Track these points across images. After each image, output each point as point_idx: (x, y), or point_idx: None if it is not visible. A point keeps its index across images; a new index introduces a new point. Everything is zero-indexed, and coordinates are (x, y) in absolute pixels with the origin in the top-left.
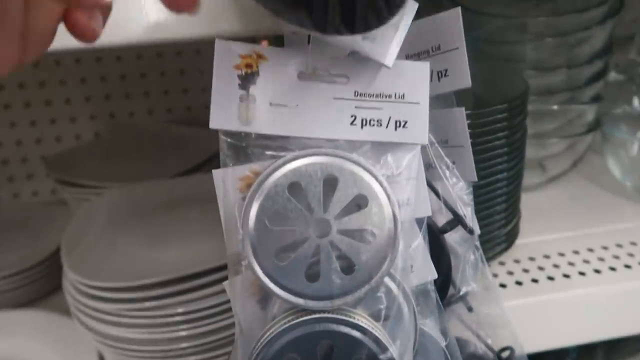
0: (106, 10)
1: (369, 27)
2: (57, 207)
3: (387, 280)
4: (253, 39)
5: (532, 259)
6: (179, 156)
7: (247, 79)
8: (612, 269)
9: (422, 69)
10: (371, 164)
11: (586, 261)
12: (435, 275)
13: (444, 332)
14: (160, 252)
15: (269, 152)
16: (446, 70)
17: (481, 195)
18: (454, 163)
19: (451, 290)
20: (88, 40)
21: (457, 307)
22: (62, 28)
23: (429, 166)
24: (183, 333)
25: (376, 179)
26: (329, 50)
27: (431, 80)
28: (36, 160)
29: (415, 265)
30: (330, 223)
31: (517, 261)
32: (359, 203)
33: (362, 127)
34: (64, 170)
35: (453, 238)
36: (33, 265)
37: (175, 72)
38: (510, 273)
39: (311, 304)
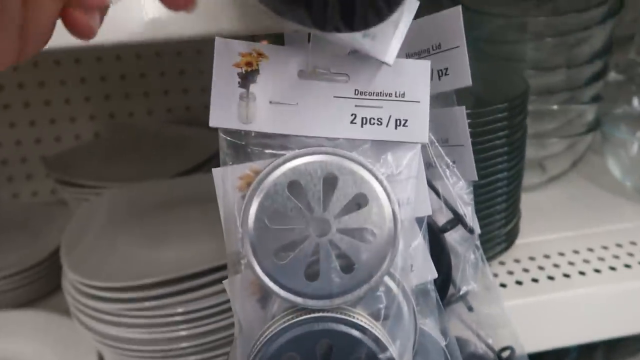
0: (103, 8)
1: (368, 24)
2: (56, 207)
3: (386, 279)
4: (253, 39)
5: (532, 258)
6: (179, 156)
7: (247, 77)
8: (612, 268)
9: (422, 68)
10: (371, 163)
11: (586, 261)
12: (436, 275)
13: (444, 332)
14: (160, 252)
15: (268, 151)
16: (447, 69)
17: (481, 194)
18: (454, 162)
19: (451, 290)
20: (85, 37)
21: (457, 307)
22: (60, 27)
23: (429, 165)
24: (183, 333)
25: (376, 178)
26: (330, 49)
27: (431, 79)
28: (36, 161)
29: (416, 265)
30: (330, 222)
31: (517, 261)
32: (359, 202)
33: (362, 125)
34: (63, 170)
35: (453, 237)
36: (33, 266)
37: (175, 72)
38: (511, 273)
39: (310, 303)
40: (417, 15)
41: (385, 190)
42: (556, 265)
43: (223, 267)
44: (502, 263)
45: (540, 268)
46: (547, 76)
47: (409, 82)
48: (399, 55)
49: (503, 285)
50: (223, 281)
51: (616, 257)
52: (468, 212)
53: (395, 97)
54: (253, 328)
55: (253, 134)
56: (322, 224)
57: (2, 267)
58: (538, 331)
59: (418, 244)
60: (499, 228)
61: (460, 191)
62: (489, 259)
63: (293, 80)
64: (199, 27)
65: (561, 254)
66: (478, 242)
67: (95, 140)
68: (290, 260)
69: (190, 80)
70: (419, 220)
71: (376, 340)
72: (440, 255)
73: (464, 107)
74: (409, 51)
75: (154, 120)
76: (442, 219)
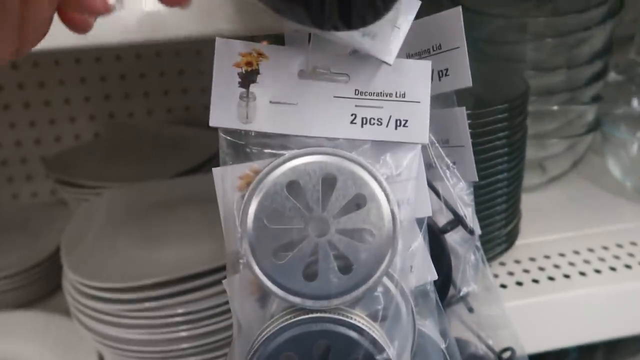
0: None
1: (365, 22)
2: (56, 207)
3: (385, 280)
4: (253, 40)
5: (532, 259)
6: (179, 156)
7: (247, 77)
8: (613, 269)
9: (423, 68)
10: (370, 164)
11: (587, 261)
12: (435, 276)
13: (444, 334)
14: (160, 252)
15: (268, 151)
16: (447, 70)
17: (482, 195)
18: (454, 163)
19: (452, 291)
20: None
21: (457, 308)
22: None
23: (429, 166)
24: (183, 334)
25: (375, 178)
26: (330, 49)
27: (432, 79)
28: (35, 161)
29: (415, 266)
30: (329, 222)
31: (517, 261)
32: (358, 202)
33: (362, 125)
34: (63, 171)
35: (453, 238)
36: (33, 266)
37: (175, 72)
38: (511, 273)
39: (309, 303)
40: (418, 16)
41: (384, 191)
42: (556, 266)
43: (223, 268)
44: (502, 264)
45: (541, 269)
46: (547, 77)
47: (410, 83)
48: (399, 56)
49: (503, 286)
50: (223, 281)
51: (616, 257)
52: (468, 213)
53: (396, 97)
54: (252, 327)
55: (253, 134)
56: (321, 224)
57: (2, 267)
58: (538, 332)
59: (418, 245)
60: (499, 229)
61: (460, 192)
62: (489, 259)
63: (293, 80)
64: (199, 27)
65: (561, 255)
66: (478, 243)
67: (95, 141)
68: (289, 260)
69: (190, 81)
70: (419, 221)
71: (374, 341)
72: (441, 256)
73: (464, 107)
74: (410, 52)
75: (154, 121)
76: (443, 219)
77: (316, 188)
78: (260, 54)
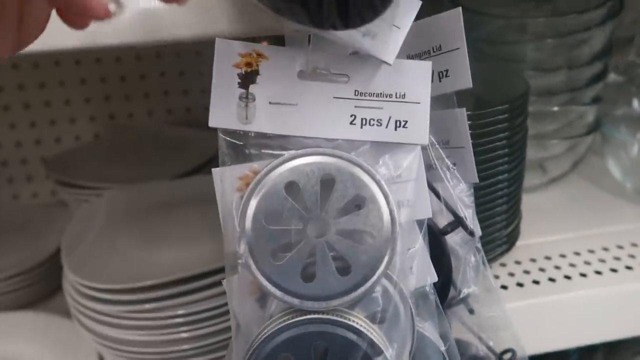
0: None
1: (364, 20)
2: (56, 208)
3: (384, 281)
4: (253, 41)
5: (533, 260)
6: (179, 158)
7: (246, 78)
8: (613, 270)
9: (423, 68)
10: (370, 165)
11: (587, 262)
12: (436, 278)
13: (444, 336)
14: (160, 253)
15: (268, 151)
16: (447, 71)
17: (482, 196)
18: (454, 164)
19: (452, 293)
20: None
21: (458, 309)
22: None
23: (429, 167)
24: (184, 335)
25: (374, 179)
26: (330, 49)
27: (432, 80)
28: (36, 162)
29: (415, 267)
30: (328, 223)
31: (518, 262)
32: (357, 204)
33: (361, 126)
34: (63, 172)
35: (454, 240)
36: (33, 267)
37: (175, 73)
38: (512, 274)
39: (307, 304)
40: (418, 17)
41: (383, 192)
42: (557, 267)
43: (224, 269)
44: (503, 265)
45: (541, 270)
46: (548, 77)
47: (410, 83)
48: (399, 57)
49: (504, 287)
50: (222, 281)
51: (617, 258)
52: (469, 214)
53: (396, 98)
54: (251, 328)
55: (252, 135)
56: (319, 225)
57: (3, 268)
58: (539, 333)
59: (418, 247)
60: (499, 230)
61: (460, 193)
62: (490, 260)
63: (293, 81)
64: (199, 28)
65: (562, 256)
66: (479, 244)
67: (95, 142)
68: (287, 261)
69: (190, 82)
70: (420, 223)
71: (372, 343)
72: (441, 258)
73: (464, 109)
74: (410, 53)
75: (154, 122)
76: (443, 221)
77: (315, 189)
78: (259, 55)
